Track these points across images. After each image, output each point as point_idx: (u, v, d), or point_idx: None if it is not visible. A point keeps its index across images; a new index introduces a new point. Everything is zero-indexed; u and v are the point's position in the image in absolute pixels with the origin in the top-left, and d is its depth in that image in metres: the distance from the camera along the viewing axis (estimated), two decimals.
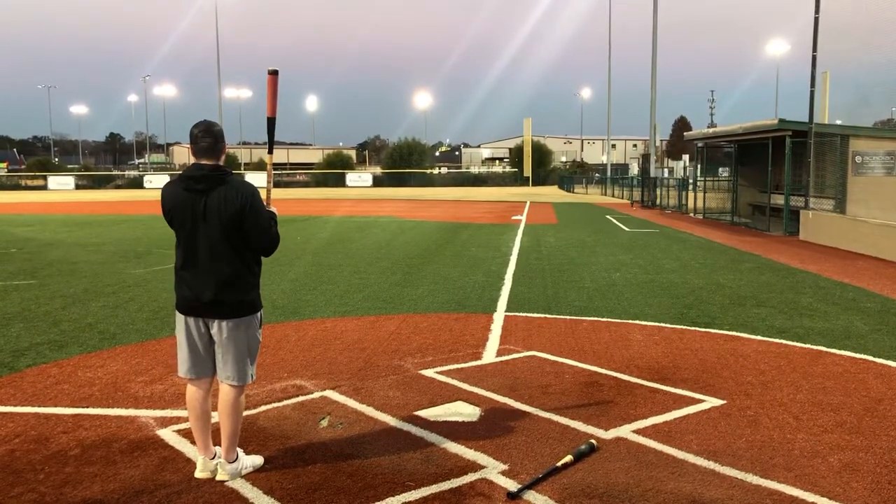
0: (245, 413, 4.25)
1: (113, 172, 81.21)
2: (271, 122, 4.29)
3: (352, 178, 69.05)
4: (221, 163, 3.86)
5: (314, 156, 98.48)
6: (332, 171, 69.92)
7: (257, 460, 4.02)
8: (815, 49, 17.34)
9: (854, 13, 16.42)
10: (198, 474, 3.88)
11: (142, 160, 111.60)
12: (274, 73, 4.18)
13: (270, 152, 4.41)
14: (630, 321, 7.86)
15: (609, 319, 7.96)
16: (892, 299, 9.22)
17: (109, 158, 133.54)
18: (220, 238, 3.74)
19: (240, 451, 3.97)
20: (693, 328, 7.52)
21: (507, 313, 8.28)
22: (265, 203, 3.93)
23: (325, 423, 4.67)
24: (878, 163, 16.02)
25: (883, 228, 13.85)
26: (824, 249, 14.99)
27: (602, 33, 58.84)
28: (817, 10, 17.08)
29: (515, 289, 10.03)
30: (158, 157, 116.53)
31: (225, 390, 3.89)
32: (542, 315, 8.19)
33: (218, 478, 3.85)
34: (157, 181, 67.34)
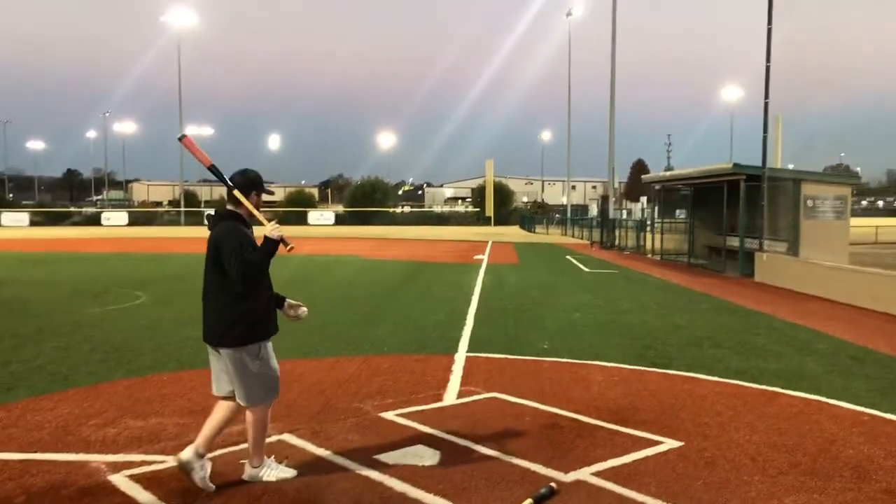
0: (207, 456, 4.33)
1: (70, 209, 79.78)
2: (213, 169, 4.47)
3: (314, 216, 68.81)
4: (240, 207, 4.31)
5: (276, 194, 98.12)
6: (294, 210, 69.60)
7: (285, 472, 4.39)
8: (766, 96, 17.87)
9: (802, 64, 17.01)
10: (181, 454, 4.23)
11: (100, 197, 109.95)
12: (182, 138, 4.46)
13: (232, 189, 4.39)
14: (590, 362, 7.90)
15: (570, 360, 7.99)
16: (843, 341, 9.41)
17: (67, 195, 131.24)
18: (209, 272, 4.22)
19: (269, 459, 4.43)
20: (652, 369, 7.59)
21: (469, 354, 8.26)
22: (262, 223, 4.29)
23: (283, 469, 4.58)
24: (828, 207, 16.51)
25: (834, 271, 14.20)
26: (778, 291, 15.29)
27: (563, 78, 60.20)
28: (768, 59, 17.65)
29: (477, 329, 10.03)
30: (117, 194, 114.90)
31: (243, 407, 4.33)
32: (504, 356, 8.19)
33: (242, 477, 4.35)
34: (115, 218, 66.40)
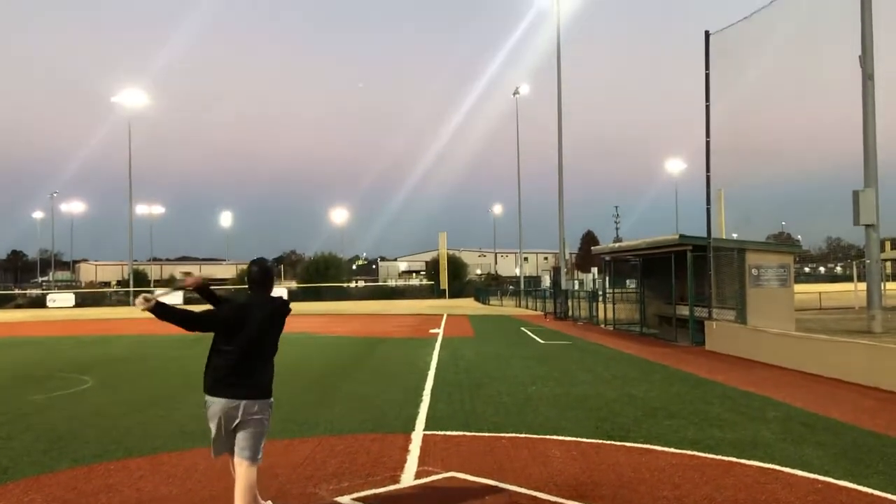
0: None
1: (13, 291, 77.51)
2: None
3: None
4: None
5: (228, 271, 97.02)
6: (245, 287, 68.69)
7: None
8: (708, 170, 18.53)
9: (738, 139, 17.70)
10: None
11: (45, 278, 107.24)
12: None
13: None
14: (548, 436, 7.85)
15: (527, 435, 7.93)
16: (794, 407, 9.55)
17: (10, 276, 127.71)
18: (272, 337, 4.96)
19: None
20: (609, 442, 7.58)
21: (426, 432, 8.15)
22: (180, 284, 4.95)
23: None
24: (772, 275, 16.96)
25: (781, 338, 14.50)
26: (729, 359, 15.52)
27: (513, 153, 61.66)
28: (708, 135, 18.38)
29: (434, 405, 9.93)
30: (64, 275, 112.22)
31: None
32: (461, 433, 8.10)
33: None
34: (60, 300, 64.72)
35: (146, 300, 4.52)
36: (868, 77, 17.43)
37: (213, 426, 4.74)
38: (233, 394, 4.60)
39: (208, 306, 5.06)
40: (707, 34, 18.64)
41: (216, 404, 4.64)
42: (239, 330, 4.63)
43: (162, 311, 4.51)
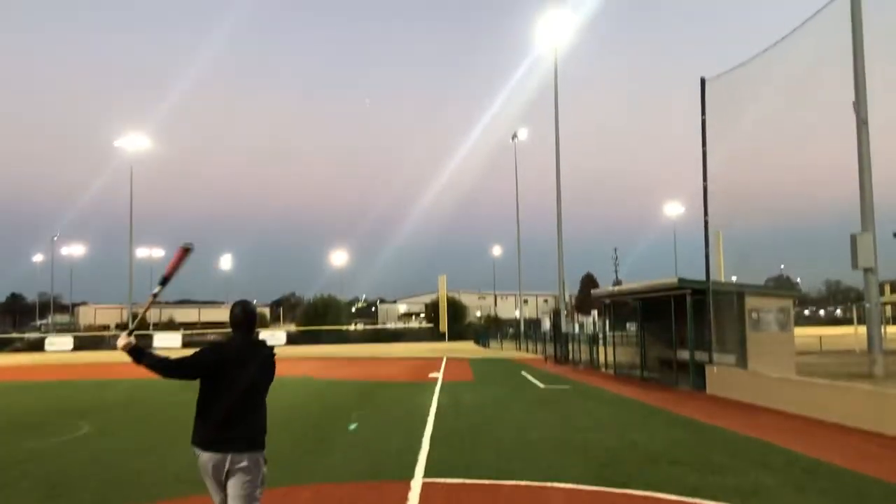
0: None
1: (11, 335, 77.20)
2: (165, 280, 4.78)
3: (265, 336, 67.86)
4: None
5: (227, 314, 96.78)
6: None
7: None
8: (706, 214, 18.64)
9: (735, 183, 17.87)
10: None
11: (44, 321, 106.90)
12: (187, 249, 4.73)
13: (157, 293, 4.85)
14: (548, 483, 7.79)
15: (528, 483, 7.87)
16: (796, 453, 9.49)
17: (9, 320, 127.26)
18: (263, 383, 4.66)
19: None
20: (610, 489, 7.51)
21: (426, 479, 8.09)
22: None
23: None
24: (772, 318, 16.95)
25: (782, 382, 14.44)
26: (730, 403, 15.43)
27: (513, 195, 62.08)
28: (705, 179, 18.53)
29: (433, 451, 9.86)
30: (62, 318, 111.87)
31: None
32: (461, 480, 8.03)
33: None
34: (59, 343, 64.47)
35: (126, 339, 4.42)
36: (863, 122, 17.61)
37: (205, 478, 4.57)
38: (218, 447, 4.38)
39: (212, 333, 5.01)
40: (703, 80, 18.92)
41: (203, 456, 4.45)
42: (221, 377, 4.38)
43: (138, 356, 4.40)
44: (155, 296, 4.78)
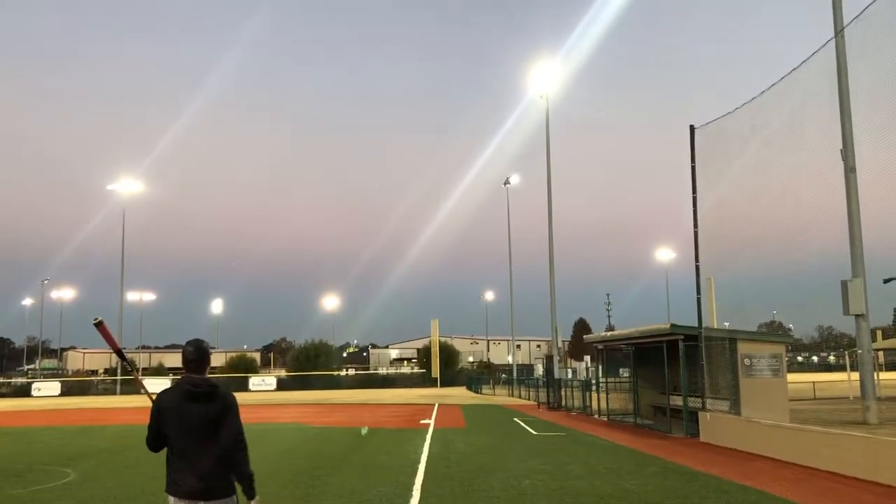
0: None
1: None
2: (119, 353, 4.97)
3: (255, 381, 67.33)
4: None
5: (217, 360, 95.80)
6: (234, 375, 68.02)
7: None
8: (697, 259, 18.72)
9: (726, 227, 18.01)
10: None
11: (31, 366, 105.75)
12: (99, 324, 4.88)
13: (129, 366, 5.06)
14: None
15: None
16: (792, 502, 9.38)
17: None
18: (212, 432, 4.38)
19: None
20: None
21: None
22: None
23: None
24: (764, 365, 16.91)
25: (776, 430, 14.35)
26: (724, 451, 15.30)
27: (505, 240, 62.39)
28: (695, 226, 18.66)
29: (424, 500, 9.72)
30: (50, 363, 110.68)
31: None
32: None
33: None
34: (46, 388, 63.69)
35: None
36: (850, 170, 17.84)
37: None
38: (178, 493, 4.27)
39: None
40: (692, 128, 19.19)
41: (169, 500, 4.31)
42: (164, 423, 4.34)
43: None
44: (135, 369, 4.90)
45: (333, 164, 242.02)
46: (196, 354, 4.47)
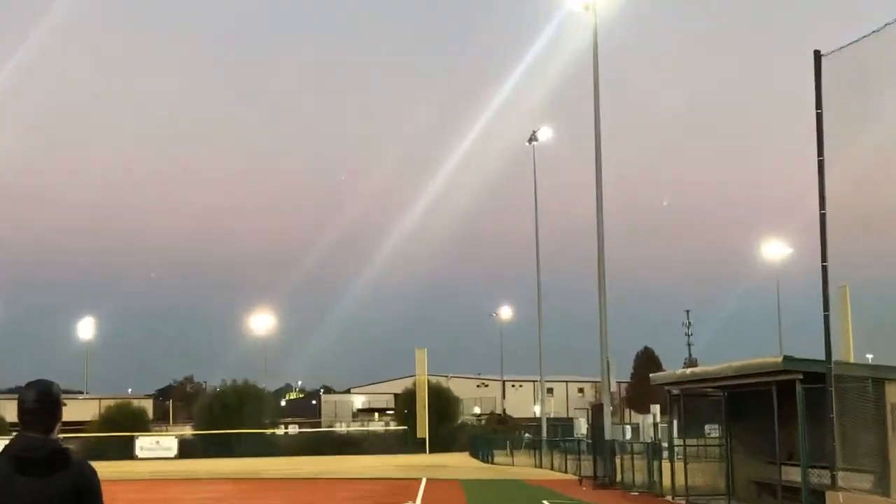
0: None
1: None
2: None
3: (145, 444, 67.32)
4: None
5: (87, 410, 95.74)
6: (113, 434, 67.97)
7: None
8: (824, 258, 18.51)
9: (867, 208, 17.93)
10: None
11: None
12: None
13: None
14: None
15: None
16: None
17: None
18: None
19: None
20: None
21: None
22: None
23: None
24: None
25: None
26: None
27: (523, 235, 62.01)
28: (822, 206, 18.48)
29: None
30: None
31: None
32: None
33: None
34: None
35: None
36: None
37: None
38: None
39: None
40: (818, 56, 19.06)
41: None
42: None
43: None
44: None
45: (263, 116, 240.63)
46: (38, 403, 4.26)
